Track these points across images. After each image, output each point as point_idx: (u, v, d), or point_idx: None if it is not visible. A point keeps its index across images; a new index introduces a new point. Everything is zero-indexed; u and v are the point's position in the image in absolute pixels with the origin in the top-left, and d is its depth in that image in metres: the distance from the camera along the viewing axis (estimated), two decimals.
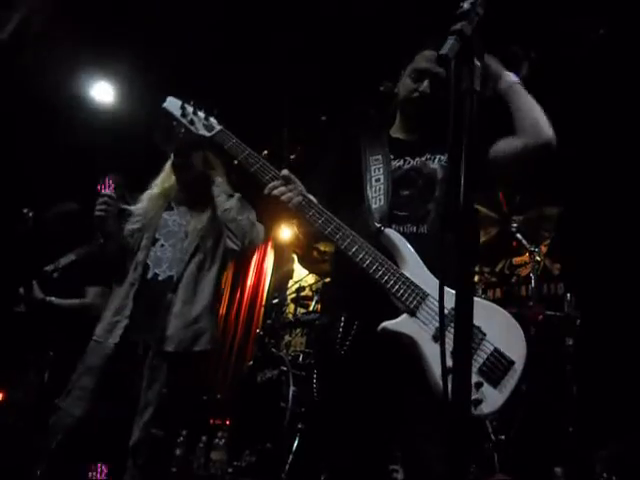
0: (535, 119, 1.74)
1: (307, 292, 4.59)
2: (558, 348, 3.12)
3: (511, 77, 1.81)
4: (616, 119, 3.86)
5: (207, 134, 1.86)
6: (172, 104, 1.90)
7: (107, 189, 2.46)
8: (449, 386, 1.12)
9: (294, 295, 4.49)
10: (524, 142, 1.74)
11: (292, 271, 6.08)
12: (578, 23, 3.86)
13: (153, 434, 2.19)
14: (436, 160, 1.87)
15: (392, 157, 1.90)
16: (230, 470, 3.30)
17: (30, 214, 3.55)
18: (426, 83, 1.86)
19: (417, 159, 1.88)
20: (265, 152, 4.89)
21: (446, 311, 1.50)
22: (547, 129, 1.73)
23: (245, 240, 2.43)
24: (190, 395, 2.45)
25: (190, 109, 1.89)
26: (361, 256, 1.67)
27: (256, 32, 4.32)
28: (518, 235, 3.46)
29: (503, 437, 2.86)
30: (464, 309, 1.15)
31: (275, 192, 1.71)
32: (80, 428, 2.18)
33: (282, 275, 6.28)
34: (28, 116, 4.55)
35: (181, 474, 3.40)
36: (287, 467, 2.94)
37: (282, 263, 6.50)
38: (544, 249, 4.01)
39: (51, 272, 3.43)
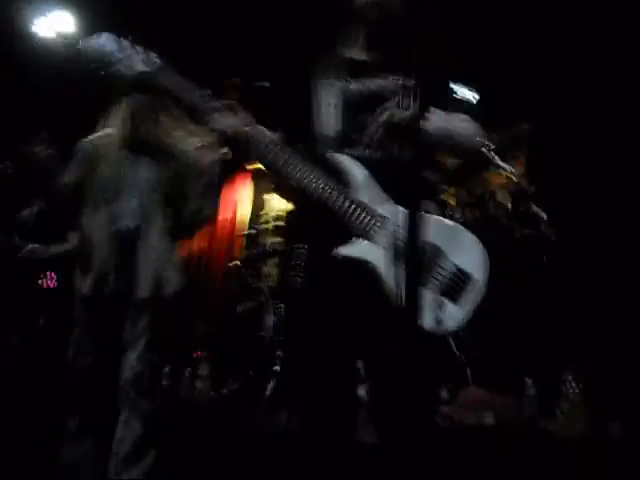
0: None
1: (283, 222, 4.56)
2: (533, 267, 3.16)
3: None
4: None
5: (147, 69, 1.72)
6: (107, 40, 1.74)
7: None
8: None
9: (271, 225, 4.48)
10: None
11: (264, 201, 6.04)
12: None
13: (147, 363, 2.33)
14: (391, 81, 1.79)
15: (347, 78, 1.80)
16: (214, 396, 3.39)
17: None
18: None
19: (373, 81, 1.78)
20: (235, 80, 4.74)
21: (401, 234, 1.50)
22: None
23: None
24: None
25: (127, 43, 1.74)
26: (314, 184, 1.62)
27: None
28: (492, 153, 3.42)
29: (476, 352, 2.94)
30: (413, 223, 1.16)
31: (220, 125, 1.64)
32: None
33: (256, 206, 6.24)
34: None
35: (166, 403, 3.49)
36: (268, 392, 3.03)
37: (257, 193, 6.45)
38: (520, 169, 4.00)
39: (25, 218, 3.34)
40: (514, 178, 3.50)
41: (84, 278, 2.40)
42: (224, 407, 3.22)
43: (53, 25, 4.71)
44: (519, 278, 3.15)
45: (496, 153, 3.42)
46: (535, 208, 4.09)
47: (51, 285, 4.66)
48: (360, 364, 2.17)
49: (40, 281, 4.28)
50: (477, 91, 3.58)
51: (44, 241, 3.28)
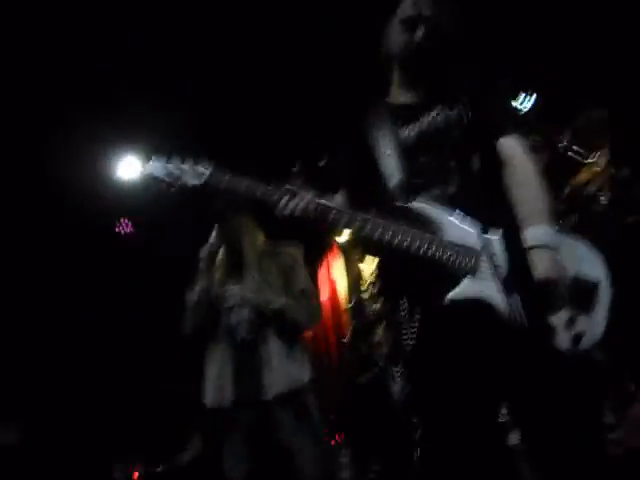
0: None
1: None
2: None
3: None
4: None
5: (198, 182, 1.76)
6: (155, 167, 1.80)
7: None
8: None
9: (368, 294, 4.41)
10: None
11: (360, 271, 6.02)
12: None
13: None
14: (444, 114, 1.74)
15: (398, 124, 1.78)
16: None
17: None
18: (421, 31, 1.71)
19: (425, 119, 1.75)
20: (297, 165, 4.86)
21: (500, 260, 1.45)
22: None
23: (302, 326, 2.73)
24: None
25: (172, 166, 1.79)
26: (398, 240, 1.58)
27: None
28: (570, 154, 3.23)
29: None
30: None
31: (287, 211, 1.64)
32: None
33: (352, 277, 6.22)
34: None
35: None
36: (415, 465, 2.83)
37: (350, 264, 6.44)
38: (606, 159, 3.73)
39: None
40: (600, 168, 3.25)
41: (209, 392, 2.59)
42: None
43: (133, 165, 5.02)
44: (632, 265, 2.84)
45: (577, 145, 3.22)
46: (637, 192, 3.78)
47: (128, 230, 4.79)
48: (504, 410, 2.00)
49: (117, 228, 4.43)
50: (538, 89, 3.43)
51: None
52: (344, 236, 6.13)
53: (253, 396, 2.55)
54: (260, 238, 2.84)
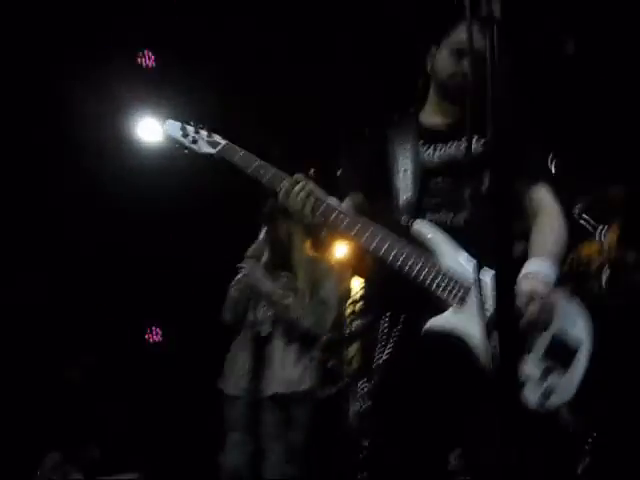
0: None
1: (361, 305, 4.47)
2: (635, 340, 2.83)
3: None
4: None
5: (212, 151, 1.77)
6: (172, 127, 1.82)
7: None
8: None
9: (350, 310, 4.38)
10: None
11: (349, 290, 5.99)
12: None
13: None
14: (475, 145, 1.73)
15: (422, 144, 1.78)
16: None
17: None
18: (466, 62, 1.68)
19: (450, 145, 1.75)
20: (312, 170, 4.86)
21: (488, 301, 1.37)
22: None
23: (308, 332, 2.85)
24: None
25: (191, 129, 1.81)
26: (393, 255, 1.56)
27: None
28: (582, 220, 3.22)
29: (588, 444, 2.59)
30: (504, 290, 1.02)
31: (290, 201, 1.62)
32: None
33: (340, 294, 6.18)
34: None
35: None
36: None
37: (340, 281, 6.40)
38: (614, 237, 3.72)
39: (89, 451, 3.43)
40: (608, 244, 3.24)
41: (234, 381, 2.77)
42: None
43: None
44: (623, 353, 2.82)
45: (588, 218, 3.21)
46: (638, 278, 3.76)
47: (157, 339, 4.84)
48: (454, 456, 1.97)
49: (147, 336, 4.47)
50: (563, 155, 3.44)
51: None
52: (340, 250, 6.12)
53: (254, 390, 2.70)
54: (306, 246, 3.00)
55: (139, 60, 3.94)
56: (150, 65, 4.12)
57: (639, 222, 3.59)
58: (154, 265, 5.01)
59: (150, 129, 4.86)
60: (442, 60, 1.77)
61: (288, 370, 2.72)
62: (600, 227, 3.18)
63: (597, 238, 3.28)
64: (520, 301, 1.42)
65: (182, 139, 1.80)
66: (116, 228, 4.91)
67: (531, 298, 1.45)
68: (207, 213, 4.97)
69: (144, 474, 3.38)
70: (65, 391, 3.48)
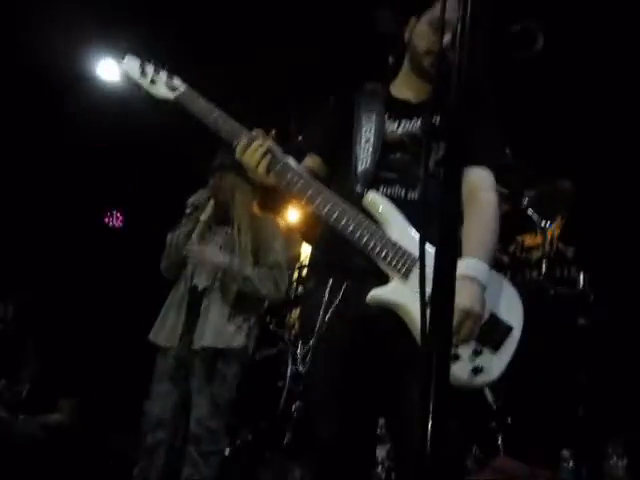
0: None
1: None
2: (570, 327, 2.97)
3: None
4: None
5: (170, 95, 1.70)
6: (131, 64, 1.73)
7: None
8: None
9: (296, 274, 4.39)
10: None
11: (299, 254, 6.00)
12: None
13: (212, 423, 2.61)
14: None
15: (388, 117, 1.77)
16: (228, 449, 3.22)
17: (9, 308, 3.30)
18: (448, 36, 1.62)
19: (414, 122, 1.74)
20: (273, 131, 4.80)
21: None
22: None
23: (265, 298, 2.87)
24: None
25: (150, 68, 1.73)
26: (343, 222, 1.56)
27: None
28: (530, 211, 3.32)
29: (509, 419, 2.73)
30: (444, 267, 1.03)
31: (247, 156, 1.58)
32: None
33: (288, 259, 6.19)
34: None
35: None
36: (284, 446, 2.86)
37: (289, 246, 6.41)
38: (557, 231, 3.86)
39: (16, 385, 3.24)
40: (551, 235, 3.35)
41: (168, 330, 2.73)
42: (236, 459, 3.06)
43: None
44: (553, 339, 2.97)
45: (534, 209, 3.31)
46: (574, 273, 3.93)
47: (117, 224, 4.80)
48: (381, 422, 2.03)
49: (107, 219, 4.38)
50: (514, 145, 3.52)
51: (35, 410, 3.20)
52: (291, 214, 6.11)
53: (186, 342, 2.67)
54: (251, 201, 2.92)
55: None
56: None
57: (581, 220, 3.75)
58: None
59: (110, 69, 4.71)
60: (421, 34, 1.74)
61: (223, 325, 2.70)
62: (544, 222, 3.28)
63: (539, 231, 3.39)
64: (456, 315, 1.38)
65: (140, 79, 1.72)
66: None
67: (467, 316, 1.44)
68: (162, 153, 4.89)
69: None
70: None
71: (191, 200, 2.85)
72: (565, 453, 2.65)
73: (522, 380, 2.77)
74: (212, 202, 2.89)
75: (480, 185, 1.66)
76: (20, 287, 3.50)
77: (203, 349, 2.65)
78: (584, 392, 2.71)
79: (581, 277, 3.53)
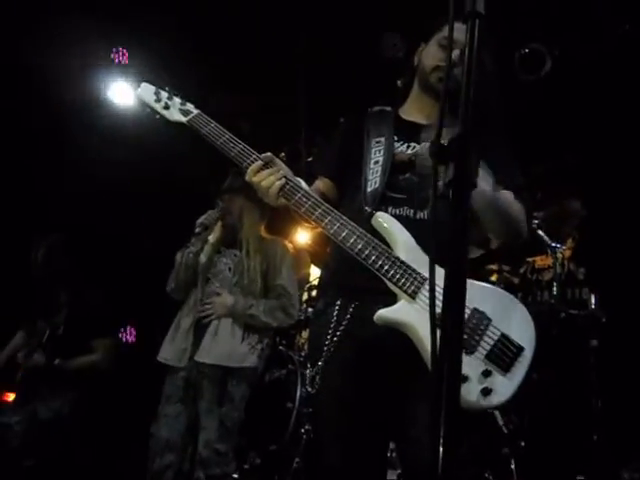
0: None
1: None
2: (581, 350, 2.94)
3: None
4: None
5: (183, 119, 1.77)
6: (146, 90, 1.82)
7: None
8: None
9: (306, 295, 4.38)
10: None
11: (309, 275, 6.00)
12: (601, 19, 3.73)
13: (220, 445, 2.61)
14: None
15: (396, 139, 1.79)
16: (235, 475, 3.18)
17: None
18: (457, 52, 1.65)
19: (423, 144, 1.75)
20: (282, 154, 4.85)
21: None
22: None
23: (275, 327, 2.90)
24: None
25: (164, 94, 1.81)
26: (352, 241, 1.56)
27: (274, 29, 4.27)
28: (539, 232, 3.30)
29: (522, 443, 2.69)
30: (454, 286, 1.03)
31: (254, 178, 1.61)
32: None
33: (298, 279, 6.18)
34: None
35: None
36: (293, 470, 2.82)
37: (299, 267, 6.41)
38: (568, 252, 3.84)
39: (52, 329, 3.27)
40: (561, 256, 3.33)
41: (177, 351, 2.73)
42: None
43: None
44: (565, 361, 2.93)
45: (544, 230, 3.30)
46: (585, 294, 3.89)
47: (130, 340, 4.80)
48: (392, 446, 2.00)
49: (120, 335, 4.37)
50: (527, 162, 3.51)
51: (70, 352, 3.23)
52: (301, 236, 6.13)
53: (196, 364, 2.68)
54: (259, 224, 2.97)
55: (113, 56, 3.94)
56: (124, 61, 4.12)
57: (592, 241, 3.73)
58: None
59: (122, 92, 4.78)
60: (429, 53, 1.79)
61: (235, 344, 2.72)
62: (554, 243, 3.27)
63: (550, 252, 3.37)
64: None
65: (154, 104, 1.79)
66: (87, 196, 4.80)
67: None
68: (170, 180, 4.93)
69: None
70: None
71: (200, 220, 2.87)
72: (580, 479, 2.60)
73: (535, 403, 2.73)
74: (220, 224, 2.91)
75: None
76: (50, 232, 3.47)
77: (211, 368, 2.64)
78: (598, 416, 2.67)
79: (592, 298, 3.50)
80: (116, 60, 4.14)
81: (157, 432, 2.64)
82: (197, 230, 2.84)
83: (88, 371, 3.22)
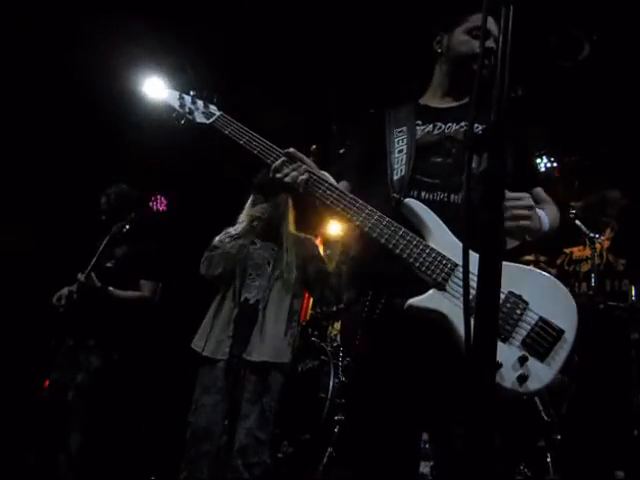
0: None
1: None
2: (621, 343, 2.86)
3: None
4: None
5: (206, 121, 1.82)
6: (171, 96, 1.88)
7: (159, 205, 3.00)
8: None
9: None
10: None
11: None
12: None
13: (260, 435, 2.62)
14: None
15: (420, 123, 1.77)
16: (268, 461, 3.22)
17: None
18: (491, 41, 1.66)
19: (452, 126, 1.73)
20: (314, 147, 4.84)
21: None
22: None
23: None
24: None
25: (188, 99, 1.87)
26: (378, 231, 1.55)
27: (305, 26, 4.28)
28: (577, 222, 3.23)
29: (558, 436, 2.64)
30: (489, 270, 1.01)
31: (277, 175, 1.64)
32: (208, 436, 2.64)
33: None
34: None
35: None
36: (325, 459, 2.84)
37: (332, 258, 6.42)
38: (606, 243, 3.74)
39: (105, 261, 3.35)
40: (599, 246, 3.25)
41: (214, 342, 2.74)
42: (278, 472, 3.05)
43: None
44: (604, 354, 2.86)
45: (582, 220, 3.22)
46: (625, 286, 3.78)
47: (161, 208, 4.94)
48: (425, 437, 1.99)
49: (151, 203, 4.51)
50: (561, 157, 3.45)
51: (117, 285, 3.29)
52: (333, 228, 6.13)
53: (238, 355, 2.68)
54: (293, 221, 3.01)
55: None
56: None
57: (631, 232, 3.62)
58: None
59: (156, 87, 4.84)
60: (461, 42, 1.77)
61: (278, 340, 2.75)
62: (592, 233, 3.19)
63: (588, 242, 3.29)
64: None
65: (179, 109, 1.86)
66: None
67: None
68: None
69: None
70: None
71: (254, 213, 2.90)
72: (619, 474, 2.54)
73: (573, 396, 2.67)
74: (247, 219, 2.93)
75: (542, 197, 1.77)
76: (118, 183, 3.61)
77: (257, 363, 2.68)
78: (638, 410, 2.60)
79: (633, 290, 3.41)
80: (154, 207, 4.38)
81: (195, 421, 2.66)
82: (254, 223, 2.88)
83: (136, 306, 3.30)
